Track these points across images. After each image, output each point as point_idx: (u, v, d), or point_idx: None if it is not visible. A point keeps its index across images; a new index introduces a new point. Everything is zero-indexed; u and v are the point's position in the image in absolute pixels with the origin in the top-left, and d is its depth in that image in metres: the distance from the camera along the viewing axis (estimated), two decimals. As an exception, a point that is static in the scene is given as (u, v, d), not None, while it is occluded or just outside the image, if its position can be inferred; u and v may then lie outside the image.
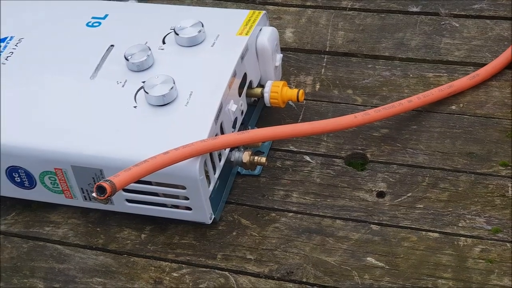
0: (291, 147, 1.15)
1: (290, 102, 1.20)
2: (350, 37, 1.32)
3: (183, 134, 0.98)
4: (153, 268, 1.03)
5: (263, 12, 1.14)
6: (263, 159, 1.07)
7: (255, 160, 1.07)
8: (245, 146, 1.10)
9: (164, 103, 1.02)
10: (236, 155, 1.07)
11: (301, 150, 1.15)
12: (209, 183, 1.01)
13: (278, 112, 1.20)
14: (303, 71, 1.28)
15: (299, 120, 1.19)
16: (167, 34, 1.12)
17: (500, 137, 1.11)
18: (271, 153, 1.15)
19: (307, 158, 1.13)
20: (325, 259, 1.01)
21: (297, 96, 1.12)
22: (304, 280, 0.99)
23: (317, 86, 1.24)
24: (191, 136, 0.97)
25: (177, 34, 1.09)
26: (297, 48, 1.32)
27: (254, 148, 1.12)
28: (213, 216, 1.04)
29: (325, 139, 1.15)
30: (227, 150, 1.06)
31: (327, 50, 1.31)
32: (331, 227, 1.04)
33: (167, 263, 1.04)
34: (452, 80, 1.20)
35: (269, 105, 1.14)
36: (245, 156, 1.07)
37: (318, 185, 1.09)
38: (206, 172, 1.00)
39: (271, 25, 1.17)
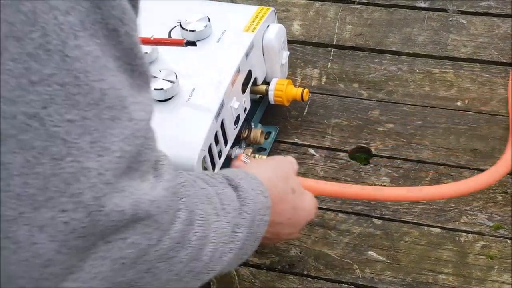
0: (295, 139, 1.15)
1: (296, 96, 1.21)
2: (358, 31, 1.33)
3: (182, 130, 0.97)
4: (156, 257, 1.04)
5: (271, 8, 1.14)
6: (264, 157, 1.07)
7: (255, 158, 1.07)
8: (247, 143, 1.11)
9: (165, 98, 1.00)
10: (236, 152, 1.07)
11: (305, 143, 1.15)
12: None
13: (284, 105, 1.20)
14: (310, 64, 1.28)
15: (305, 113, 1.19)
16: (173, 28, 1.11)
17: (504, 134, 1.11)
18: (275, 145, 1.15)
19: (312, 151, 1.14)
20: (326, 252, 1.01)
21: (302, 96, 1.12)
22: (305, 272, 0.99)
23: (323, 80, 1.25)
24: (190, 132, 0.96)
25: (183, 28, 1.08)
26: (304, 41, 1.33)
27: (257, 145, 1.12)
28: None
29: (330, 132, 1.16)
30: (228, 146, 1.05)
31: (334, 43, 1.31)
32: (334, 220, 1.05)
33: (170, 252, 1.04)
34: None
35: (273, 103, 1.14)
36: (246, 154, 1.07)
37: (322, 178, 1.10)
38: (205, 169, 0.99)
39: (279, 17, 1.17)
